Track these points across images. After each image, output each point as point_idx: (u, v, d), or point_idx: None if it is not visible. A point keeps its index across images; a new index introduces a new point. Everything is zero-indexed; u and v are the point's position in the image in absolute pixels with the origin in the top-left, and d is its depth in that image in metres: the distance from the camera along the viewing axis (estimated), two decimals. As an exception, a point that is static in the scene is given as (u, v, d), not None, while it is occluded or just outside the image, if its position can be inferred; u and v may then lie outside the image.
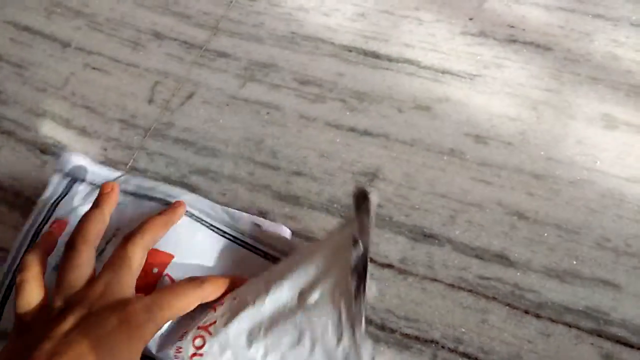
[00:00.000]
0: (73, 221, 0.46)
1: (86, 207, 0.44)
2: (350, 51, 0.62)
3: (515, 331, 0.45)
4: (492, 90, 0.58)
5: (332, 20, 0.64)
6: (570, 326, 0.45)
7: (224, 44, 0.64)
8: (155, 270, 0.43)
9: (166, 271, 0.43)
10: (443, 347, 0.45)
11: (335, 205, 0.52)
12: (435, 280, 0.48)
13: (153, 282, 0.43)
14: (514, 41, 0.61)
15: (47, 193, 0.49)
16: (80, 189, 0.49)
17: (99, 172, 0.50)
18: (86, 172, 0.50)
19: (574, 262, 0.48)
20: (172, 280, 0.43)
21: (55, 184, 0.49)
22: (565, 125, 0.55)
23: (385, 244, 0.50)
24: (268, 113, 0.58)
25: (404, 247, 0.49)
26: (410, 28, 0.63)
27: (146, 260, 0.42)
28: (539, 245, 0.49)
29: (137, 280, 0.41)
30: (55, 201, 0.48)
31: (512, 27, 0.62)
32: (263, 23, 0.65)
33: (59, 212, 0.47)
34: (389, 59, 0.61)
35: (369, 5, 0.65)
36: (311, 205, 0.52)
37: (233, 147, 0.56)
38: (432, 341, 0.45)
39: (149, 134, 0.58)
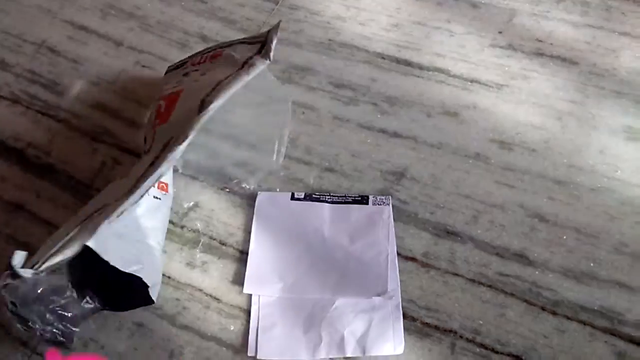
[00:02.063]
0: None
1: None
2: (384, 58, 0.65)
3: (531, 326, 0.47)
4: (519, 100, 0.60)
5: (367, 30, 0.68)
6: (585, 324, 0.47)
7: (264, 48, 0.68)
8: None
9: None
10: (461, 337, 0.47)
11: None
12: (456, 274, 0.50)
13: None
14: (541, 54, 0.64)
15: None
16: None
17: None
18: None
19: (592, 264, 0.50)
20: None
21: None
22: (588, 135, 0.57)
23: (409, 239, 0.52)
24: (304, 113, 0.62)
25: (427, 243, 0.52)
26: (442, 39, 0.66)
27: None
28: (558, 246, 0.51)
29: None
30: None
31: (540, 41, 0.65)
32: (302, 30, 0.69)
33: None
34: (420, 67, 0.64)
35: (403, 17, 0.69)
36: (341, 200, 0.55)
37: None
38: (451, 331, 0.48)
39: (192, 128, 0.62)
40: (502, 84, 0.62)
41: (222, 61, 0.54)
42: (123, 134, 0.62)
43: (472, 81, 0.62)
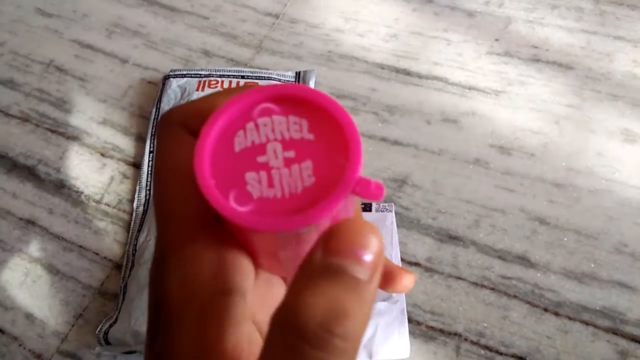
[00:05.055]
0: None
1: None
2: (383, 68, 0.67)
3: (534, 327, 0.48)
4: (516, 105, 0.62)
5: (366, 41, 0.70)
6: (587, 324, 0.48)
7: (266, 61, 0.69)
8: None
9: None
10: (466, 339, 0.48)
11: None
12: (459, 278, 0.51)
13: None
14: (538, 60, 0.65)
15: None
16: None
17: None
18: None
19: (592, 265, 0.51)
20: None
21: None
22: (585, 139, 0.58)
23: (413, 244, 0.53)
24: (306, 124, 0.63)
25: (430, 248, 0.53)
26: (439, 48, 0.68)
27: None
28: (559, 248, 0.52)
29: None
30: None
31: (536, 47, 0.66)
32: (302, 43, 0.71)
33: None
34: (419, 76, 0.65)
35: (401, 27, 0.70)
36: (345, 208, 0.56)
37: (274, 154, 0.61)
38: (455, 334, 0.49)
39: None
40: (500, 91, 0.63)
41: None
42: (131, 149, 0.64)
43: (470, 88, 0.64)
